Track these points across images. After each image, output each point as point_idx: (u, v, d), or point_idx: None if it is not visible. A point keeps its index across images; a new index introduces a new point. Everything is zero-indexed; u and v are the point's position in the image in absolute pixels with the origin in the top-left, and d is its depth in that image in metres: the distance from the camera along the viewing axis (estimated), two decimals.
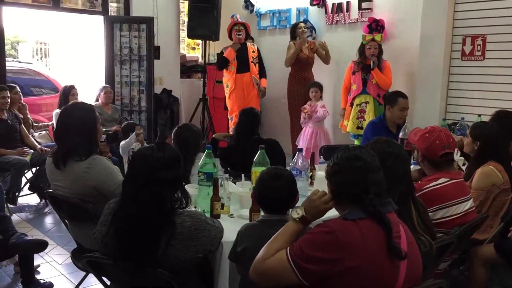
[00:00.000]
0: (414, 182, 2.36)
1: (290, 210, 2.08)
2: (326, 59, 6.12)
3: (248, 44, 6.36)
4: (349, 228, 1.61)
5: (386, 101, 4.14)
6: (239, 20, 6.28)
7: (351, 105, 5.49)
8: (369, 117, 5.23)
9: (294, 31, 6.20)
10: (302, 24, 6.24)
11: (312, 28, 6.63)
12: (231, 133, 6.30)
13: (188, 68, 7.83)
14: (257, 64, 6.32)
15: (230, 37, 6.32)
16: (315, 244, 1.61)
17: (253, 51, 6.32)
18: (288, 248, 1.66)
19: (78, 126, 2.64)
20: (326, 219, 1.75)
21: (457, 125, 4.33)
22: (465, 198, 2.53)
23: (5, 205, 4.37)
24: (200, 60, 7.93)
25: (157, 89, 6.81)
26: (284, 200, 1.98)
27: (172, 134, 3.24)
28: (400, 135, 3.61)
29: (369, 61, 5.26)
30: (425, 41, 5.40)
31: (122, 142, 4.35)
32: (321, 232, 1.63)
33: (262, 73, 6.43)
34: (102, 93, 5.82)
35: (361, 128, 5.29)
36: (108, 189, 2.56)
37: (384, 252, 1.60)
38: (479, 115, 4.46)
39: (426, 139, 2.56)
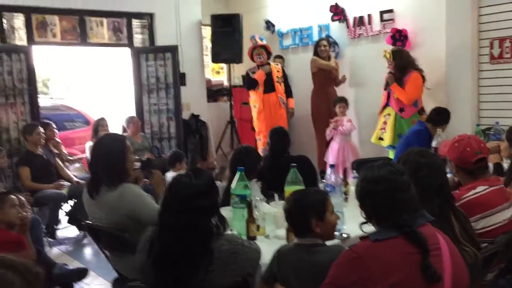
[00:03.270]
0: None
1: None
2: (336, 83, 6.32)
3: (272, 64, 6.40)
4: (377, 251, 1.59)
5: (442, 120, 4.15)
6: (258, 41, 6.32)
7: (380, 114, 5.44)
8: (389, 129, 5.18)
9: (315, 47, 6.30)
10: (323, 42, 6.26)
11: (334, 44, 6.63)
12: (261, 153, 6.34)
13: (214, 92, 7.92)
14: (282, 84, 6.36)
15: (252, 59, 6.38)
16: (343, 271, 1.60)
17: (277, 71, 6.37)
18: None
19: (105, 155, 2.70)
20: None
21: (492, 130, 4.23)
22: (507, 205, 2.45)
23: (45, 238, 4.47)
24: (226, 83, 8.02)
25: (185, 115, 6.91)
26: (297, 224, 1.96)
27: (231, 155, 3.25)
28: (433, 143, 3.56)
29: (387, 78, 5.23)
30: (451, 47, 5.33)
31: (171, 175, 4.44)
32: (348, 258, 1.62)
33: (289, 92, 6.46)
34: (131, 124, 5.92)
35: (382, 139, 5.27)
36: (143, 217, 2.56)
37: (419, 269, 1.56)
38: None
39: (456, 148, 2.48)
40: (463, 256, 1.74)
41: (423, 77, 5.10)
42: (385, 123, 5.30)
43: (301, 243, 1.95)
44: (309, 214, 1.92)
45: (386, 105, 5.31)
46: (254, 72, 6.30)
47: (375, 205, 1.68)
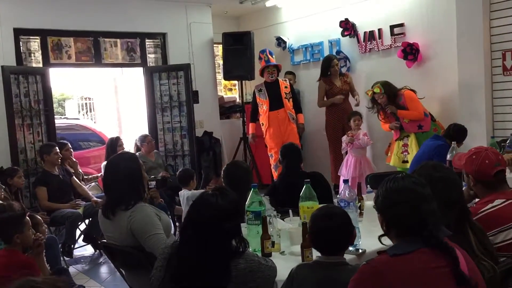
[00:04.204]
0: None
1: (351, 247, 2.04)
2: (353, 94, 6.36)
3: (280, 80, 6.40)
4: (396, 265, 1.57)
5: (459, 138, 4.20)
6: (270, 58, 6.30)
7: (396, 139, 5.39)
8: (412, 150, 5.14)
9: (327, 67, 6.24)
10: (335, 61, 6.25)
11: (346, 59, 6.65)
12: (273, 169, 6.35)
13: (226, 109, 7.98)
14: (290, 99, 6.33)
15: (262, 75, 6.41)
16: (362, 286, 1.59)
17: (286, 87, 6.34)
18: None
19: (125, 176, 2.71)
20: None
21: (507, 141, 4.19)
22: None
23: (62, 257, 4.50)
24: (238, 100, 8.07)
25: (198, 132, 6.95)
26: (339, 241, 1.93)
27: (222, 173, 3.24)
28: (448, 157, 3.54)
29: (388, 110, 5.24)
30: (463, 59, 5.31)
31: (186, 193, 4.45)
32: (366, 273, 1.61)
33: (298, 108, 6.43)
34: (145, 143, 5.95)
35: (407, 161, 5.18)
36: (139, 235, 2.59)
37: (441, 283, 1.54)
38: None
39: (474, 161, 2.45)
40: (480, 271, 1.72)
41: (412, 90, 5.20)
42: (405, 145, 5.26)
43: (326, 261, 1.91)
44: (352, 224, 1.96)
45: (401, 132, 5.29)
46: (260, 90, 6.33)
47: (402, 215, 1.65)
